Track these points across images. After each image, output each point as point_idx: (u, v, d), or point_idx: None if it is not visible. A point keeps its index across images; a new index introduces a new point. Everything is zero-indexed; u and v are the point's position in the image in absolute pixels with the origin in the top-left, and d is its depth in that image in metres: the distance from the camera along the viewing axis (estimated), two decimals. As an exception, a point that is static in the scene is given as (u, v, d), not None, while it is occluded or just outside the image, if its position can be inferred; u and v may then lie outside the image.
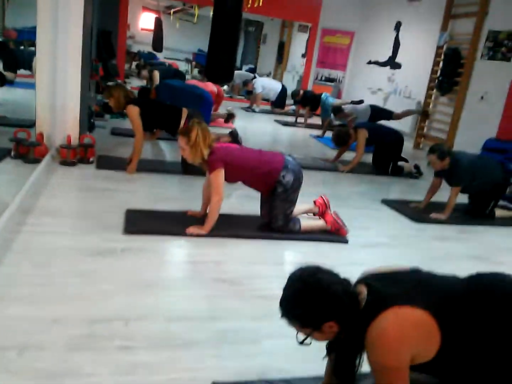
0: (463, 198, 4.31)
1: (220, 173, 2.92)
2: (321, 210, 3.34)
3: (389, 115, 7.08)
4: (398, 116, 7.21)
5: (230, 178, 3.03)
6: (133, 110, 4.05)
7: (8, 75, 6.16)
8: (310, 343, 1.39)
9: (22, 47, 8.57)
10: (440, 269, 1.52)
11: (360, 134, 5.25)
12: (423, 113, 7.48)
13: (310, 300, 1.33)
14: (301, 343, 1.39)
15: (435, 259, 3.20)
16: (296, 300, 1.36)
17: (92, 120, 5.61)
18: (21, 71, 7.76)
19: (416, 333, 1.27)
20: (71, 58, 4.23)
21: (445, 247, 3.49)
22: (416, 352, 1.28)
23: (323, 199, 3.37)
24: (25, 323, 1.88)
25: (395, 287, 1.36)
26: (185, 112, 4.29)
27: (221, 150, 2.99)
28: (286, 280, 1.41)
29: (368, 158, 5.69)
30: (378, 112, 7.03)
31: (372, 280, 1.41)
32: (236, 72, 11.54)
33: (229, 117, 7.17)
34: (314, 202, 3.37)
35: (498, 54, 6.29)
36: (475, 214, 4.24)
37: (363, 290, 1.37)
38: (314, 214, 3.39)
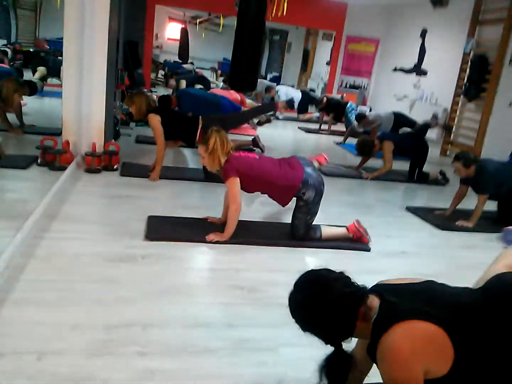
0: (491, 206, 4.20)
1: (235, 182, 2.90)
2: (355, 237, 3.23)
3: (412, 125, 6.95)
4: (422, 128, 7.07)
5: (247, 188, 3.01)
6: (155, 119, 4.10)
7: (38, 84, 6.35)
8: None
9: (52, 57, 8.86)
10: (466, 279, 1.48)
11: (386, 146, 5.17)
12: (445, 127, 7.30)
13: (314, 318, 1.35)
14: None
15: (461, 268, 3.11)
16: (301, 314, 1.38)
17: (117, 128, 5.72)
18: (50, 81, 8.02)
19: (429, 348, 1.23)
20: (97, 68, 4.32)
21: (471, 256, 3.39)
22: (429, 367, 1.23)
23: (356, 227, 3.23)
24: (44, 328, 1.91)
25: (408, 300, 1.32)
26: (201, 121, 4.32)
27: (237, 159, 2.96)
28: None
29: (393, 165, 5.59)
30: (401, 120, 6.93)
31: (385, 291, 1.37)
32: (259, 80, 11.64)
33: (265, 121, 7.21)
34: (347, 228, 3.24)
35: (527, 59, 6.12)
36: (504, 222, 4.11)
37: (375, 302, 1.34)
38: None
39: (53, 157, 4.17)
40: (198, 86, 8.96)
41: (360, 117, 6.99)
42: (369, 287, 1.45)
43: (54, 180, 3.61)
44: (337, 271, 1.43)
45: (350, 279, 1.42)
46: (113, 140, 5.15)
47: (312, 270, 1.44)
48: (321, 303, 1.33)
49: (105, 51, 4.35)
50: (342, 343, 1.40)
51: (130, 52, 9.38)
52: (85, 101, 4.35)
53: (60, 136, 4.40)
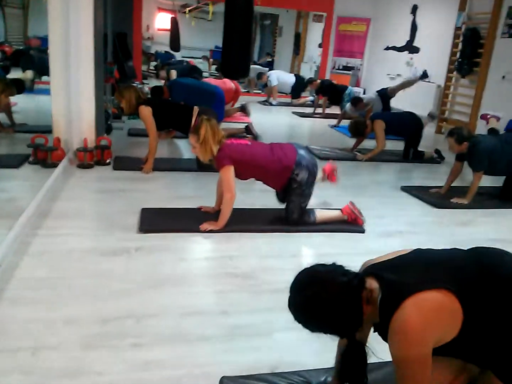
0: (487, 182, 4.19)
1: (229, 170, 2.89)
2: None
3: (385, 93, 6.94)
4: (394, 90, 7.02)
5: (241, 175, 3.01)
6: (145, 111, 4.08)
7: (27, 82, 6.30)
8: None
9: (44, 55, 8.77)
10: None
11: (377, 125, 5.15)
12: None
13: (322, 316, 1.30)
14: None
15: (457, 244, 3.04)
16: (305, 309, 1.33)
17: (109, 122, 5.69)
18: (43, 79, 7.96)
19: (439, 317, 1.23)
20: (84, 63, 4.28)
21: (468, 232, 3.39)
22: (440, 335, 1.24)
23: (350, 209, 3.24)
24: (38, 324, 1.92)
25: (406, 273, 1.31)
26: (195, 110, 4.30)
27: (230, 147, 2.95)
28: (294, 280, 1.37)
29: (388, 145, 5.57)
30: (385, 95, 6.92)
31: (380, 270, 1.35)
32: (252, 66, 11.54)
33: (242, 109, 7.11)
34: (341, 210, 3.25)
35: (519, 30, 6.06)
36: (503, 197, 4.10)
37: (374, 285, 1.32)
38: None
39: (44, 154, 4.15)
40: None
41: (356, 100, 6.94)
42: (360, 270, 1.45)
43: (46, 178, 3.60)
44: (329, 263, 1.41)
45: (344, 267, 1.39)
46: (105, 134, 5.12)
47: (304, 269, 1.39)
48: (323, 300, 1.28)
49: (91, 45, 4.30)
50: (356, 333, 1.37)
51: (119, 44, 9.30)
52: (74, 96, 4.32)
53: (51, 133, 4.37)
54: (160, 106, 4.35)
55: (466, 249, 1.45)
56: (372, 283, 1.33)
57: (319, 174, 3.37)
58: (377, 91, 7.01)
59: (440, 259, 1.38)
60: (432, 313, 1.22)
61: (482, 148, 3.77)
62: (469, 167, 3.94)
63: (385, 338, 1.30)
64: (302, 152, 3.06)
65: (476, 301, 1.25)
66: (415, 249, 1.44)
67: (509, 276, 1.30)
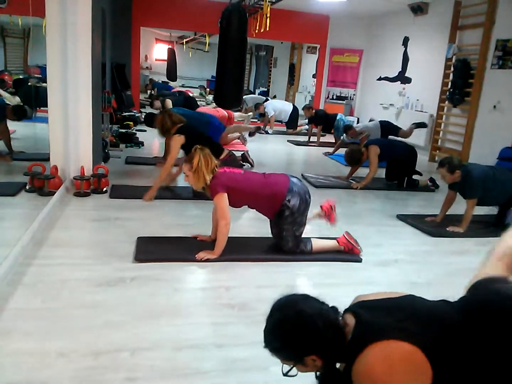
0: (482, 211, 4.22)
1: (223, 197, 2.91)
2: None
3: (396, 131, 7.03)
4: (405, 134, 7.12)
5: (234, 203, 3.02)
6: (176, 140, 4.16)
7: (28, 109, 6.34)
8: (296, 374, 1.33)
9: (44, 84, 8.85)
10: (459, 285, 1.45)
11: (371, 150, 5.22)
12: (419, 125, 7.28)
13: (289, 334, 1.26)
14: (285, 374, 1.33)
15: (454, 274, 3.11)
16: (275, 333, 1.30)
17: (106, 151, 5.72)
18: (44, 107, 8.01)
19: (405, 369, 1.17)
20: (82, 92, 4.34)
21: (464, 261, 3.39)
22: None
23: (346, 239, 3.26)
24: (31, 357, 1.88)
25: (385, 318, 1.26)
26: (225, 152, 4.31)
27: (224, 175, 2.98)
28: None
29: (382, 173, 5.63)
30: (387, 128, 7.00)
31: (361, 309, 1.32)
32: (248, 96, 11.73)
33: (251, 134, 7.24)
34: (337, 241, 3.26)
35: (508, 62, 6.23)
36: (496, 225, 4.13)
37: (351, 321, 1.29)
38: (319, 216, 3.45)
39: (41, 182, 4.16)
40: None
41: (347, 127, 7.05)
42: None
43: (42, 206, 3.60)
44: (311, 297, 1.38)
45: (324, 303, 1.36)
46: (102, 162, 5.15)
47: (284, 296, 1.37)
48: (301, 319, 1.26)
49: (89, 75, 4.37)
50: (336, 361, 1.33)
51: (117, 74, 9.46)
52: (72, 125, 4.36)
53: (49, 161, 4.39)
54: (194, 137, 4.24)
55: (456, 300, 1.36)
56: (349, 319, 1.30)
57: (317, 211, 3.38)
58: (380, 121, 7.09)
59: (426, 314, 1.30)
60: (398, 363, 1.16)
61: (476, 175, 3.82)
62: (461, 195, 3.97)
63: (349, 380, 1.24)
64: (294, 179, 3.10)
65: (449, 365, 1.18)
66: (407, 295, 1.39)
67: (501, 341, 1.21)
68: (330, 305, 1.36)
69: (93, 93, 4.46)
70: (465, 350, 1.21)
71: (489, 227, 4.12)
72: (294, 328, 1.26)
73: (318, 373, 1.38)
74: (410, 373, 1.17)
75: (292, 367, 1.32)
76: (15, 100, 7.18)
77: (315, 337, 1.26)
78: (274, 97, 14.57)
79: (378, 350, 1.18)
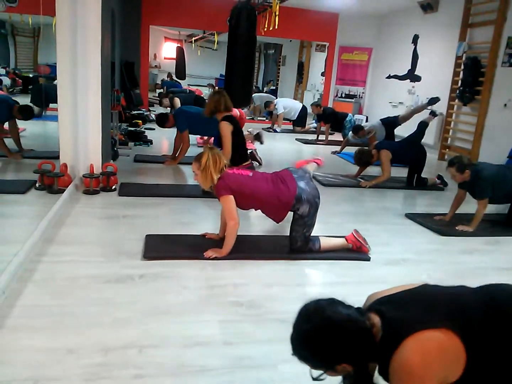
0: (490, 209, 4.18)
1: (228, 199, 2.89)
2: (356, 247, 3.22)
3: (395, 122, 6.97)
4: (405, 118, 7.03)
5: (241, 205, 3.00)
6: (229, 128, 4.09)
7: (36, 109, 6.39)
8: (325, 378, 1.32)
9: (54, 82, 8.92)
10: (468, 284, 1.45)
11: (383, 155, 5.19)
12: (431, 101, 7.11)
13: (318, 344, 1.24)
14: (315, 379, 1.32)
15: (462, 273, 3.09)
16: (304, 342, 1.27)
17: (115, 149, 5.75)
18: (52, 105, 8.08)
19: (441, 357, 1.19)
20: (91, 90, 4.36)
21: (473, 261, 3.37)
22: (443, 376, 1.20)
23: (354, 237, 3.22)
24: (41, 354, 1.90)
25: (409, 310, 1.28)
26: (248, 160, 4.30)
27: (231, 177, 2.94)
28: (297, 313, 1.33)
29: (392, 172, 5.59)
30: (388, 123, 6.95)
31: (383, 306, 1.32)
32: (257, 94, 11.72)
33: (256, 137, 7.20)
34: (346, 239, 3.23)
35: (519, 59, 6.15)
36: (506, 224, 4.09)
37: (376, 320, 1.29)
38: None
39: (51, 180, 4.19)
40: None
41: (357, 129, 7.01)
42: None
43: (52, 204, 3.63)
44: (329, 297, 1.35)
45: (343, 302, 1.35)
46: (111, 160, 5.18)
47: (305, 304, 1.33)
48: (329, 329, 1.24)
49: (98, 73, 4.39)
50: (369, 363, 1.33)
51: (126, 72, 9.50)
52: (81, 123, 4.39)
53: (59, 159, 4.42)
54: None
55: (475, 287, 1.41)
56: (375, 319, 1.30)
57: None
58: (381, 119, 7.07)
59: (445, 297, 1.34)
60: (434, 353, 1.18)
61: (485, 175, 3.78)
62: (470, 195, 3.94)
63: (386, 378, 1.26)
64: (302, 185, 3.01)
65: (480, 342, 1.22)
66: (422, 285, 1.41)
67: None
68: (355, 307, 1.35)
69: (102, 92, 4.48)
70: (492, 330, 1.23)
71: (499, 226, 4.09)
72: (323, 338, 1.24)
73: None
74: (447, 360, 1.19)
75: (321, 374, 1.30)
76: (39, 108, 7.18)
77: (346, 346, 1.25)
78: (275, 88, 14.40)
79: (413, 344, 1.19)
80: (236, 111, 7.38)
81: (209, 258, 2.93)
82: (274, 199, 2.96)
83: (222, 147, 4.11)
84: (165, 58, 17.45)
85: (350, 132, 7.15)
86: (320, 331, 1.25)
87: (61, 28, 4.16)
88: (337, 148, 7.62)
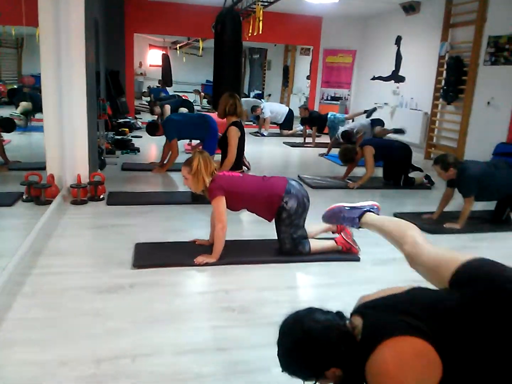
0: (478, 206, 4.24)
1: (221, 201, 2.93)
2: (346, 248, 3.25)
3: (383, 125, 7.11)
4: (379, 133, 7.13)
5: (233, 206, 3.04)
6: (236, 133, 4.17)
7: (19, 121, 6.35)
8: None
9: (36, 92, 8.85)
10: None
11: (366, 151, 5.24)
12: (397, 131, 7.34)
13: (303, 356, 1.26)
14: None
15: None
16: (289, 357, 1.29)
17: (102, 158, 5.73)
18: (38, 116, 8.01)
19: (417, 365, 1.18)
20: (76, 100, 4.35)
21: (461, 258, 3.39)
22: (418, 383, 1.19)
23: (344, 239, 3.25)
24: (32, 367, 1.88)
25: (391, 315, 1.28)
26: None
27: (222, 178, 3.02)
28: (292, 310, 1.36)
29: (379, 172, 5.65)
30: (377, 124, 7.07)
31: (366, 309, 1.34)
32: (243, 99, 11.74)
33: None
34: (335, 241, 3.25)
35: (500, 58, 6.26)
36: (494, 221, 4.15)
37: (359, 322, 1.30)
38: (333, 232, 3.34)
39: (38, 192, 4.15)
40: (183, 110, 9.03)
41: (346, 135, 7.07)
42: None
43: (40, 215, 3.60)
44: (314, 309, 1.37)
45: (330, 313, 1.37)
46: (98, 170, 5.15)
47: (288, 317, 1.35)
48: (311, 338, 1.26)
49: (83, 83, 4.38)
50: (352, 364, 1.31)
51: (111, 81, 9.47)
52: (67, 133, 4.37)
53: (45, 170, 4.39)
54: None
55: (466, 291, 1.35)
56: (357, 321, 1.31)
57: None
58: (371, 120, 7.14)
59: (429, 302, 1.32)
60: (409, 359, 1.18)
61: (471, 173, 3.83)
62: (459, 192, 3.99)
63: (363, 380, 1.25)
64: (293, 182, 3.12)
65: (458, 353, 1.20)
66: (410, 289, 1.41)
67: (504, 325, 1.22)
68: (334, 311, 1.36)
69: (88, 101, 4.47)
70: (472, 339, 1.22)
71: (486, 223, 4.14)
72: (307, 349, 1.26)
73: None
74: (422, 367, 1.19)
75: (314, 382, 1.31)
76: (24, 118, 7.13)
77: (330, 351, 1.26)
78: (269, 96, 14.62)
79: (390, 348, 1.19)
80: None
81: (199, 264, 2.93)
82: (264, 190, 3.02)
83: (228, 151, 4.17)
84: (150, 66, 17.41)
85: (339, 133, 7.23)
86: (302, 343, 1.26)
87: (45, 39, 4.14)
88: (324, 150, 7.68)
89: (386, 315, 1.29)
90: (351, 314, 1.37)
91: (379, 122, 7.20)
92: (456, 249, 3.51)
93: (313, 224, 3.26)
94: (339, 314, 1.36)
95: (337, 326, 1.30)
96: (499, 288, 1.31)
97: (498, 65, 6.29)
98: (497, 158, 5.51)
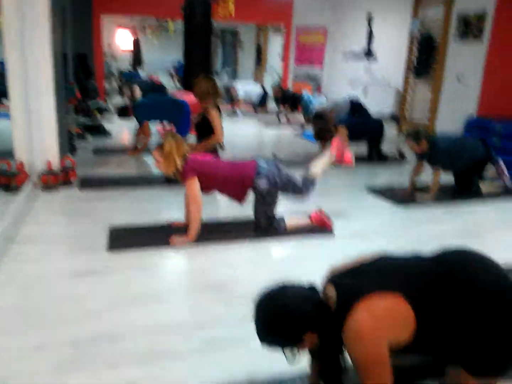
0: (450, 178, 4.35)
1: (194, 182, 2.94)
2: (319, 225, 3.29)
3: (367, 116, 7.03)
4: None
5: (205, 188, 3.04)
6: (217, 115, 4.12)
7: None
8: (297, 359, 1.37)
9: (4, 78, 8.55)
10: (430, 251, 1.52)
11: (340, 132, 5.28)
12: (393, 118, 7.33)
13: (279, 325, 1.30)
14: (289, 360, 1.36)
15: (425, 241, 3.21)
16: (266, 329, 1.33)
17: (73, 142, 5.61)
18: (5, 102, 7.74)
19: (391, 319, 1.26)
20: (43, 84, 4.22)
21: (433, 229, 3.49)
22: (393, 336, 1.27)
23: (318, 215, 3.30)
24: (9, 353, 1.87)
25: (361, 279, 1.35)
26: None
27: (194, 160, 3.01)
28: (262, 292, 1.37)
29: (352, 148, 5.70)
30: (357, 107, 6.99)
31: (338, 277, 1.39)
32: (216, 79, 11.60)
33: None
34: (310, 217, 3.30)
35: (469, 34, 6.33)
36: (463, 192, 4.26)
37: (332, 291, 1.35)
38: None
39: (7, 179, 4.05)
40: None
41: (318, 114, 7.06)
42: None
43: (10, 203, 3.52)
44: (287, 284, 1.39)
45: (302, 286, 1.40)
46: (69, 155, 5.05)
47: (262, 293, 1.37)
48: (285, 307, 1.30)
49: (50, 66, 4.25)
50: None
51: (80, 64, 9.23)
52: (35, 119, 4.25)
53: (14, 158, 4.27)
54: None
55: (430, 255, 1.47)
56: (330, 291, 1.36)
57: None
58: (351, 99, 7.07)
59: (398, 265, 1.41)
60: (383, 315, 1.25)
61: (441, 145, 3.93)
62: (429, 165, 4.07)
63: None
64: (262, 163, 3.11)
65: (429, 306, 1.28)
66: (379, 255, 1.47)
67: (465, 281, 1.33)
68: (307, 284, 1.40)
69: (55, 85, 4.35)
70: (440, 294, 1.30)
71: (456, 194, 4.25)
72: (282, 319, 1.29)
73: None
74: (395, 321, 1.26)
75: (293, 352, 1.35)
76: None
77: (305, 319, 1.30)
78: (235, 73, 14.30)
79: (363, 308, 1.25)
80: (192, 97, 7.31)
81: (175, 245, 2.93)
82: (236, 174, 3.04)
83: (214, 132, 4.13)
84: (120, 47, 17.02)
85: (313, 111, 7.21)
86: (277, 315, 1.30)
87: (9, 23, 3.99)
88: (299, 128, 7.69)
89: (357, 281, 1.34)
90: (323, 285, 1.41)
91: (358, 104, 7.14)
92: (429, 220, 3.63)
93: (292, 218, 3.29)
94: (312, 286, 1.40)
95: (309, 295, 1.34)
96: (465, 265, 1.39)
97: (467, 41, 6.37)
98: (467, 133, 5.62)
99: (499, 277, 1.36)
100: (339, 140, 3.31)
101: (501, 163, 4.30)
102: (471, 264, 1.39)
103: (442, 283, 1.32)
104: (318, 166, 3.32)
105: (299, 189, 3.18)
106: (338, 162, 3.29)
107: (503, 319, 1.28)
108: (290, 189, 3.17)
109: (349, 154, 3.31)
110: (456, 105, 6.48)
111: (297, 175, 3.25)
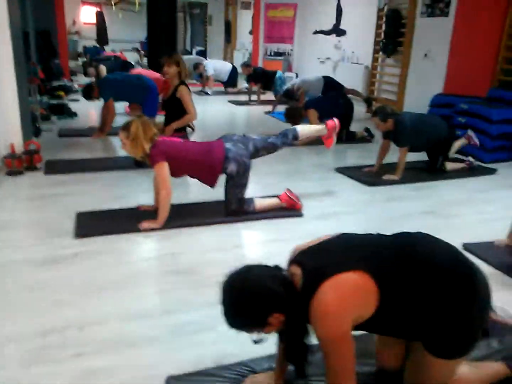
0: (416, 157, 4.43)
1: (163, 166, 2.89)
2: (289, 204, 3.32)
3: (340, 89, 7.06)
4: (348, 92, 7.19)
5: (174, 173, 2.99)
6: (188, 92, 4.18)
7: None
8: (265, 339, 1.39)
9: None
10: (397, 229, 1.57)
11: (310, 114, 5.30)
12: (367, 100, 7.37)
13: (245, 306, 1.31)
14: (256, 342, 1.39)
15: (392, 220, 3.29)
16: (233, 311, 1.34)
17: (37, 125, 5.45)
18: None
19: (354, 296, 1.29)
20: (3, 64, 4.07)
21: (400, 207, 3.57)
22: (357, 313, 1.31)
23: (287, 195, 3.32)
24: (-27, 345, 1.85)
25: (326, 257, 1.37)
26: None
27: (163, 143, 2.95)
28: (232, 273, 1.38)
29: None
30: (331, 85, 7.01)
31: (302, 257, 1.42)
32: (185, 56, 11.38)
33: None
34: (279, 198, 3.32)
35: (436, 10, 6.38)
36: (428, 170, 4.36)
37: (297, 271, 1.37)
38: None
39: (-32, 165, 3.93)
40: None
41: (288, 92, 7.05)
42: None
43: (-29, 189, 3.42)
44: (252, 265, 1.41)
45: (267, 266, 1.41)
46: (33, 137, 4.91)
47: (227, 275, 1.38)
48: (252, 287, 1.32)
49: (9, 45, 4.10)
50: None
51: (43, 42, 8.89)
52: (-5, 101, 4.11)
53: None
54: None
55: (389, 234, 1.52)
56: (296, 270, 1.38)
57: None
58: (324, 77, 7.05)
59: (360, 243, 1.45)
60: (348, 292, 1.29)
61: (406, 124, 3.98)
62: (394, 144, 4.13)
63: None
64: (229, 145, 3.08)
65: (391, 281, 1.33)
66: (340, 234, 1.50)
67: (423, 258, 1.38)
68: (272, 265, 1.42)
69: (16, 65, 4.20)
70: (402, 271, 1.34)
71: (423, 173, 4.34)
72: (248, 300, 1.31)
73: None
74: (359, 298, 1.30)
75: (260, 332, 1.37)
76: None
77: (270, 299, 1.31)
78: (204, 50, 14.08)
79: (328, 287, 1.28)
80: (158, 75, 7.15)
81: (144, 230, 2.92)
82: (205, 158, 3.00)
83: (187, 110, 4.18)
84: (84, 24, 16.42)
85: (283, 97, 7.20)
86: (243, 296, 1.32)
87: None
88: (270, 107, 7.65)
89: (321, 259, 1.37)
90: (288, 265, 1.44)
91: (332, 81, 7.13)
92: (396, 199, 3.71)
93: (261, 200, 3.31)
94: (277, 266, 1.42)
95: (274, 275, 1.36)
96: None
97: (435, 17, 6.41)
98: (434, 111, 5.72)
99: (456, 255, 1.42)
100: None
101: (470, 133, 4.45)
102: (430, 244, 1.44)
103: (403, 260, 1.37)
104: (307, 129, 3.41)
105: (275, 148, 3.31)
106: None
107: (461, 296, 1.33)
108: (265, 153, 3.26)
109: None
110: (423, 82, 6.56)
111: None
